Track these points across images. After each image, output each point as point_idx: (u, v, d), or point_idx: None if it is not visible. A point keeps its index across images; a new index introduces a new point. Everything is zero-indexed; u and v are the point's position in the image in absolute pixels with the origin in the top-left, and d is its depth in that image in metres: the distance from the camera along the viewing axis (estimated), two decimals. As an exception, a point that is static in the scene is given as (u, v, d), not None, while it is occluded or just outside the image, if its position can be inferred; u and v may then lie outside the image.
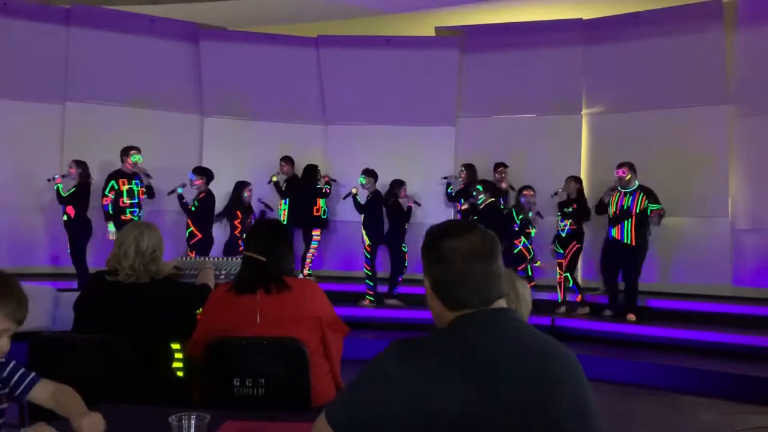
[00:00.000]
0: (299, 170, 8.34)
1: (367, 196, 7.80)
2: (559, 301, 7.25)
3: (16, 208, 7.90)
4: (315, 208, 8.13)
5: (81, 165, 7.22)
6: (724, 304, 7.02)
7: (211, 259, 3.88)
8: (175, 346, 2.86)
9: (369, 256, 7.60)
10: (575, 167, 8.02)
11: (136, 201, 7.28)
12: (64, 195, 7.16)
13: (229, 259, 3.70)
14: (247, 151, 8.72)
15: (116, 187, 7.14)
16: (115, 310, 2.69)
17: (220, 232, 7.70)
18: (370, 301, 7.66)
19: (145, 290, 2.73)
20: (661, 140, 7.81)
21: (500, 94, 8.60)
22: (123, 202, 7.20)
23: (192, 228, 7.37)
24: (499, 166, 8.04)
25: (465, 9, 8.98)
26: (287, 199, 8.21)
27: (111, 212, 7.10)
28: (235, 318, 2.46)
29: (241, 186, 7.76)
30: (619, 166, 6.87)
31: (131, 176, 7.23)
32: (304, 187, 8.18)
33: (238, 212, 7.63)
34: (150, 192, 7.46)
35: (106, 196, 7.12)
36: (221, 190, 7.81)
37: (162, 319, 2.72)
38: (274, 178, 8.32)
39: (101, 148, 7.76)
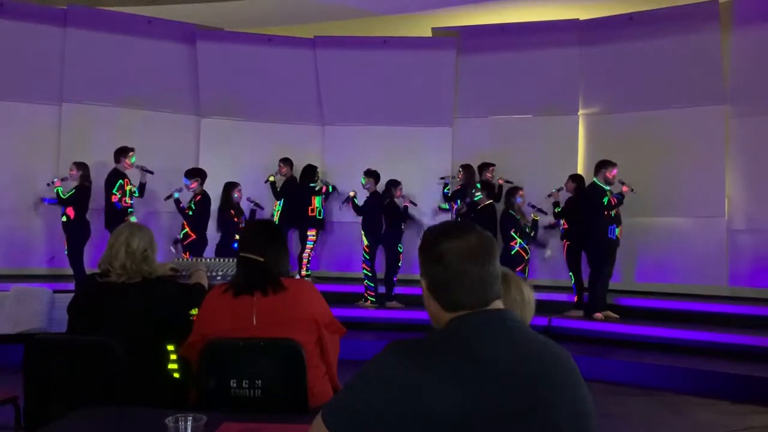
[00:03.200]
0: (297, 173, 8.34)
1: (366, 197, 7.80)
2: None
3: (13, 209, 7.88)
4: (310, 208, 8.13)
5: (82, 167, 7.22)
6: (721, 304, 7.03)
7: (205, 260, 3.87)
8: (171, 347, 2.85)
9: (368, 257, 7.59)
10: (572, 168, 8.03)
11: (133, 202, 7.37)
12: (63, 197, 7.14)
13: (223, 260, 3.69)
14: (244, 152, 8.71)
15: (123, 187, 7.19)
16: (108, 310, 2.68)
17: (214, 233, 7.67)
18: (371, 302, 7.65)
19: (137, 289, 2.72)
20: (657, 141, 7.83)
21: (497, 94, 8.62)
22: (125, 202, 7.22)
23: (186, 229, 7.36)
24: (489, 165, 8.03)
25: (461, 10, 8.99)
26: (281, 200, 8.22)
27: (119, 210, 7.13)
28: (231, 320, 2.44)
29: (230, 187, 7.74)
30: (614, 166, 6.86)
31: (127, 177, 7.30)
32: (299, 187, 8.19)
33: (231, 212, 7.60)
34: (142, 190, 7.46)
35: (114, 194, 7.14)
36: (218, 192, 7.80)
37: (156, 319, 2.71)
38: (271, 178, 8.33)
39: (98, 149, 7.74)
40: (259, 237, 2.61)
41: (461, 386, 1.29)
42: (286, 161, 8.33)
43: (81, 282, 6.86)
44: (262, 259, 2.52)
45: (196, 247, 7.24)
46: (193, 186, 7.42)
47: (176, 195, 7.54)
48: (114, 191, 7.14)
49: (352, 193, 8.00)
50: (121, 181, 7.20)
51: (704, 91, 7.62)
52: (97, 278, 2.77)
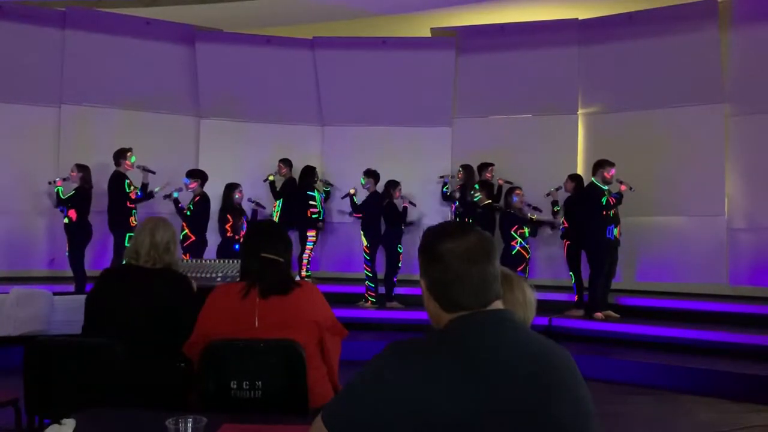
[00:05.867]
0: (296, 174, 8.34)
1: (365, 198, 7.80)
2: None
3: (13, 211, 7.88)
4: (310, 209, 8.13)
5: (83, 169, 7.21)
6: (721, 303, 7.03)
7: (206, 261, 3.87)
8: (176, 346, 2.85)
9: (369, 258, 7.59)
10: (571, 167, 8.03)
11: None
12: (63, 197, 7.14)
13: (224, 261, 3.69)
14: (244, 152, 8.71)
15: (128, 186, 7.20)
16: (131, 291, 2.76)
17: (213, 234, 7.66)
18: (372, 302, 7.65)
19: (161, 274, 2.83)
20: (656, 140, 7.84)
21: (496, 94, 8.62)
22: (129, 203, 7.22)
23: (186, 230, 7.34)
24: (488, 165, 8.05)
25: (460, 10, 8.99)
26: (281, 200, 8.22)
27: (129, 206, 7.17)
28: (232, 321, 2.44)
29: (231, 188, 7.74)
30: (612, 165, 6.86)
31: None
32: (299, 188, 8.19)
33: (229, 215, 7.60)
34: (144, 191, 7.46)
35: (129, 192, 7.16)
36: (218, 192, 7.80)
37: (171, 308, 2.75)
38: (271, 178, 8.33)
39: (97, 151, 7.74)
40: (276, 238, 2.63)
41: (461, 386, 1.29)
42: (286, 162, 8.34)
43: (82, 284, 6.87)
44: (282, 260, 2.52)
45: (195, 249, 7.23)
46: (192, 186, 7.41)
47: (175, 194, 7.54)
48: (127, 189, 7.16)
49: (352, 191, 8.00)
50: (127, 180, 7.22)
51: (703, 89, 7.62)
52: (122, 265, 2.91)
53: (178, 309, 2.76)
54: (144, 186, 7.48)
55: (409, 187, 8.10)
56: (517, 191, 7.32)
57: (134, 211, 7.29)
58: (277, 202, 8.27)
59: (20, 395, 2.70)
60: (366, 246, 7.61)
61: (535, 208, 7.56)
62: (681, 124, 7.74)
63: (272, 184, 8.33)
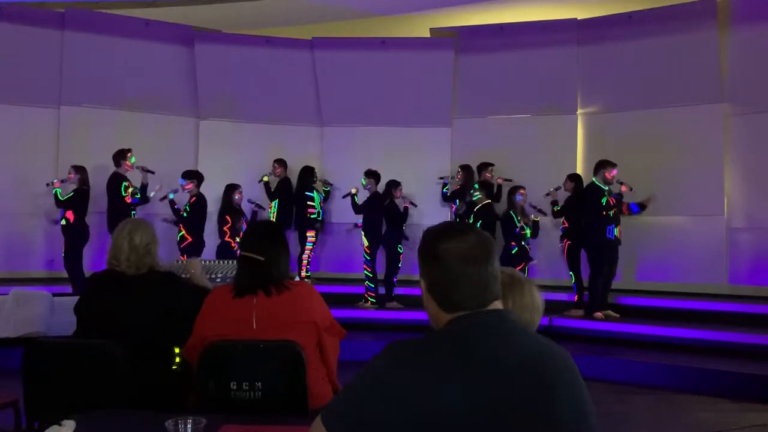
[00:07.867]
0: (292, 174, 8.32)
1: (366, 198, 7.80)
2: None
3: (12, 212, 7.87)
4: (309, 209, 8.12)
5: (80, 170, 7.21)
6: (721, 303, 7.03)
7: (205, 262, 3.87)
8: (177, 349, 2.84)
9: (369, 258, 7.59)
10: (571, 167, 8.03)
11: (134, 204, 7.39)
12: (62, 199, 7.14)
13: (223, 262, 3.69)
14: (243, 153, 8.70)
15: (124, 190, 7.20)
16: (118, 300, 2.72)
17: (211, 235, 7.65)
18: (372, 303, 7.65)
19: (146, 280, 2.77)
20: (656, 139, 7.84)
21: (495, 94, 8.62)
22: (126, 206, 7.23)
23: (183, 232, 7.33)
24: (488, 165, 8.05)
25: (459, 10, 9.00)
26: (276, 201, 8.21)
27: (129, 206, 7.20)
28: (230, 322, 2.43)
29: (231, 189, 7.73)
30: (614, 166, 6.87)
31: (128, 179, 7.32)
32: (297, 188, 8.17)
33: (228, 216, 7.59)
34: (144, 192, 7.44)
35: (125, 195, 7.18)
36: (216, 193, 7.79)
37: (162, 312, 2.72)
38: (265, 179, 8.30)
39: (97, 152, 7.74)
40: (261, 236, 2.61)
41: (461, 387, 1.29)
42: (281, 162, 8.31)
43: (79, 285, 6.85)
44: (262, 259, 2.50)
45: (192, 250, 7.22)
46: (188, 187, 7.41)
47: (171, 196, 7.53)
48: (123, 193, 7.17)
49: (354, 190, 7.99)
50: (125, 183, 7.21)
51: (703, 89, 7.63)
52: (107, 271, 2.82)
53: (171, 309, 2.75)
54: (143, 186, 7.47)
55: (409, 187, 8.09)
56: (521, 191, 7.32)
57: (133, 212, 7.28)
58: (273, 202, 8.25)
59: (20, 397, 2.70)
60: (366, 246, 7.61)
61: (540, 211, 7.57)
62: (680, 123, 7.74)
63: (267, 184, 8.29)
